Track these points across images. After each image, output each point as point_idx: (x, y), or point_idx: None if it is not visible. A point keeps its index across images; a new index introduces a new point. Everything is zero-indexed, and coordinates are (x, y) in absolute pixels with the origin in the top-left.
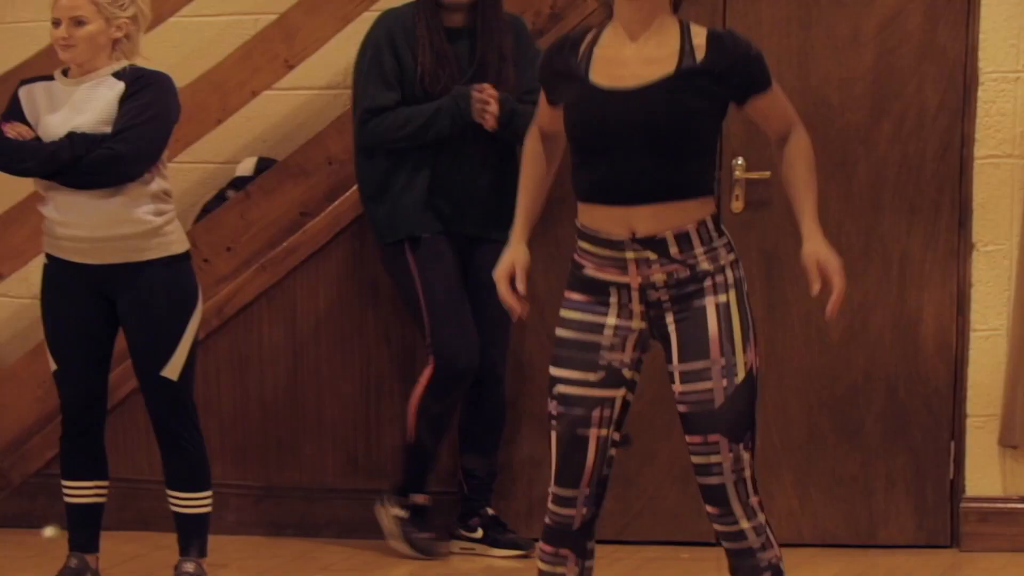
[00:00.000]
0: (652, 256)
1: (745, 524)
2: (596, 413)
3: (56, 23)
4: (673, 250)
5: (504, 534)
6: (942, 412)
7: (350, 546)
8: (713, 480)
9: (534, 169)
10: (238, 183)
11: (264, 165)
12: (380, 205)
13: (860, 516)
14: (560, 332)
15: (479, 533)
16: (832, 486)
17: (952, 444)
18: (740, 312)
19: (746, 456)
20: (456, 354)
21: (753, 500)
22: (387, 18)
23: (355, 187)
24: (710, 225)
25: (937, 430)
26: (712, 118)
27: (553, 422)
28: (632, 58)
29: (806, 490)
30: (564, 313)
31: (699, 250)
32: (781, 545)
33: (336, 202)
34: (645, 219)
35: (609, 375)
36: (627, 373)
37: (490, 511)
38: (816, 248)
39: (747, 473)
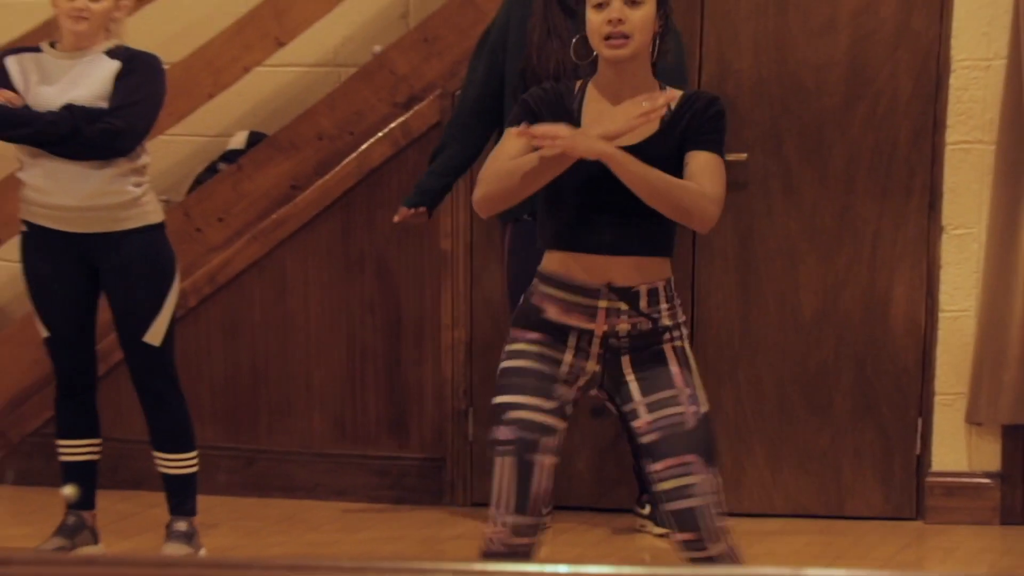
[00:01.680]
0: (623, 307)
1: (715, 549)
2: (546, 441)
3: None
4: (643, 303)
5: None
6: (910, 389)
7: (337, 508)
8: (687, 503)
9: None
10: (230, 156)
11: (255, 139)
12: None
13: (829, 488)
14: (512, 363)
15: (646, 510)
16: (803, 460)
17: (919, 420)
18: (694, 360)
19: (717, 482)
20: None
21: (721, 524)
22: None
23: (345, 161)
24: (671, 286)
25: (905, 407)
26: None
27: (501, 448)
28: (618, 117)
29: (778, 463)
30: (517, 347)
31: (664, 306)
32: (754, 515)
33: (326, 176)
34: (624, 271)
35: (559, 408)
36: (568, 409)
37: None
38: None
39: (719, 498)
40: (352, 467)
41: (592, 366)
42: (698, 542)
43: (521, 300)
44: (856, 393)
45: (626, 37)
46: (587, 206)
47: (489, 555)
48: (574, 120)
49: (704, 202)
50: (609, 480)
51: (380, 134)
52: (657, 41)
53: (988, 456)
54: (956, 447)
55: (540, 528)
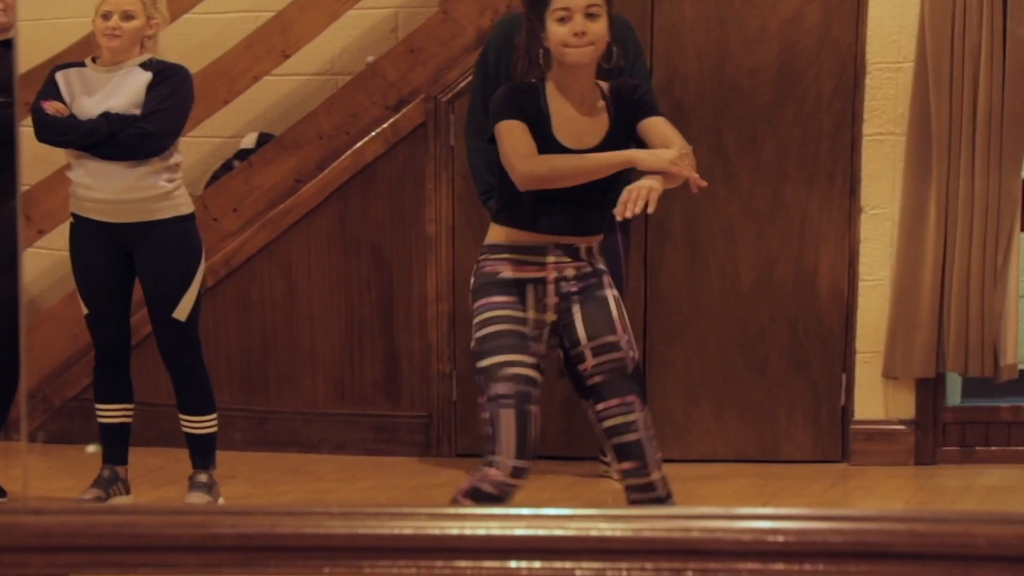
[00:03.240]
0: (567, 259)
1: (656, 475)
2: (534, 392)
3: (106, 16)
4: (583, 255)
5: None
6: (835, 349)
7: (338, 461)
8: (631, 436)
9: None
10: (242, 155)
11: (264, 139)
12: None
13: (766, 436)
14: (490, 329)
15: (608, 457)
16: (743, 411)
17: (843, 376)
18: (623, 303)
19: (651, 419)
20: None
21: (658, 455)
22: (500, 24)
23: (342, 157)
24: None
25: (831, 364)
26: None
27: (503, 401)
28: (581, 119)
29: (721, 415)
30: (489, 314)
31: (598, 257)
32: (702, 461)
33: (326, 171)
34: (566, 240)
35: (537, 363)
36: (542, 364)
37: None
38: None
39: (653, 432)
40: (351, 424)
41: (551, 316)
42: (642, 468)
43: (472, 281)
44: (789, 353)
45: (590, 44)
46: (544, 197)
47: (475, 495)
48: (545, 115)
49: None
50: (575, 431)
51: (373, 134)
52: (612, 50)
53: (903, 406)
54: (875, 398)
55: (528, 472)
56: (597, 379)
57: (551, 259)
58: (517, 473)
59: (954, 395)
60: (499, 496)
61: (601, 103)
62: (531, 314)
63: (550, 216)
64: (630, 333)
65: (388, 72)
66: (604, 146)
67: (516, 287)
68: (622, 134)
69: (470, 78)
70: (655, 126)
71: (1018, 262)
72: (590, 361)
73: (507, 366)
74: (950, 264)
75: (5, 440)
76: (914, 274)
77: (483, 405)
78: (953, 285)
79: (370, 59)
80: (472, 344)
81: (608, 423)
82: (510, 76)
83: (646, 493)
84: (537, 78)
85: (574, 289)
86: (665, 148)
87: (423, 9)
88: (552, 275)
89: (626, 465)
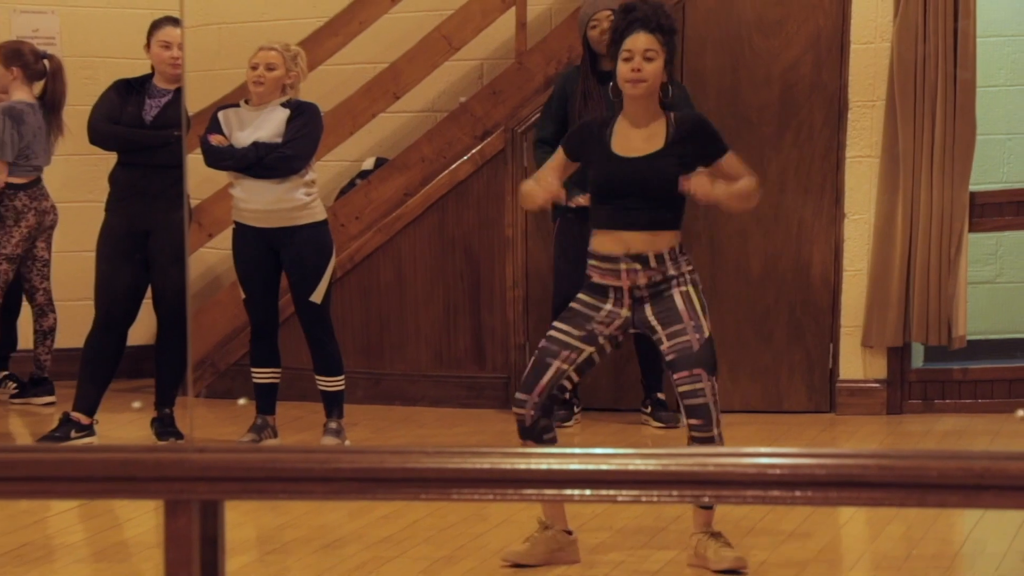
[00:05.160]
0: (638, 267)
1: (715, 432)
2: (564, 353)
3: (255, 67)
4: (652, 263)
5: (660, 412)
6: (825, 324)
7: (437, 412)
8: (698, 400)
9: None
10: (363, 174)
11: (380, 163)
12: None
13: (771, 392)
14: (570, 306)
15: (649, 410)
16: (753, 373)
17: (831, 345)
18: (697, 297)
19: (716, 387)
20: (563, 303)
21: (718, 416)
22: (568, 70)
23: (440, 176)
24: (677, 250)
25: (821, 336)
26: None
27: (535, 352)
28: (637, 136)
29: (736, 376)
30: (576, 297)
31: (669, 264)
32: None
33: (428, 186)
34: (637, 241)
35: (587, 336)
36: (601, 340)
37: (660, 395)
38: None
39: (717, 398)
40: (446, 383)
41: (625, 312)
42: (705, 426)
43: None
44: (789, 327)
45: (643, 81)
46: (613, 197)
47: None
48: (605, 140)
49: (751, 180)
50: (623, 387)
51: (464, 158)
52: (667, 88)
53: (877, 368)
54: (856, 362)
55: (534, 408)
56: (671, 357)
57: (624, 266)
58: (516, 403)
59: (917, 359)
60: (519, 425)
61: (659, 126)
62: (607, 306)
63: (611, 213)
64: (698, 318)
65: (476, 110)
66: (654, 158)
67: (601, 289)
68: (677, 152)
69: (541, 111)
70: (727, 164)
71: (967, 255)
72: (665, 344)
73: (552, 330)
74: (914, 257)
75: (182, 396)
76: (886, 265)
77: None
78: (916, 274)
79: (462, 100)
80: None
81: (680, 389)
82: (571, 108)
83: (709, 444)
84: (615, 111)
85: (645, 294)
86: (739, 180)
87: (503, 60)
88: (627, 284)
89: (693, 422)
